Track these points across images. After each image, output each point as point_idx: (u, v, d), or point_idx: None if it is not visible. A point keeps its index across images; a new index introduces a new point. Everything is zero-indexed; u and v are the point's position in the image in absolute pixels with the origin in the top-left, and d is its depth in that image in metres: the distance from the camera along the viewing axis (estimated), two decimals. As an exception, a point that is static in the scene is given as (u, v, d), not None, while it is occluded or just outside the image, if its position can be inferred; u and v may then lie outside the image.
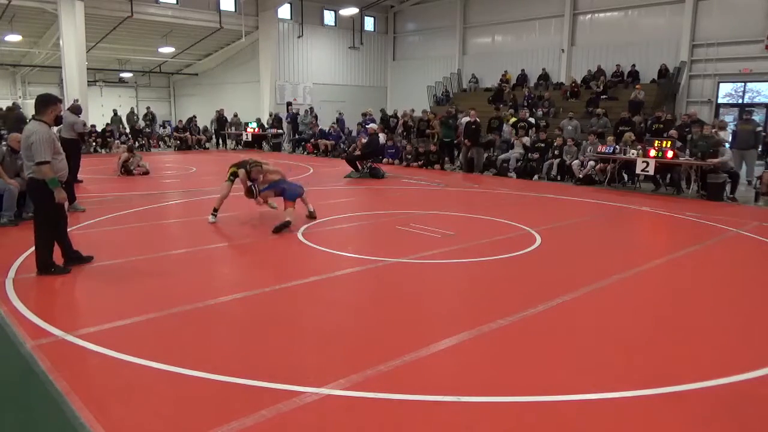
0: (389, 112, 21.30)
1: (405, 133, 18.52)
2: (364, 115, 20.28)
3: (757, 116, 16.43)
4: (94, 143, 19.93)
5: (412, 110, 20.25)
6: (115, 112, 23.83)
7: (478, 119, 15.24)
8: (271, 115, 23.35)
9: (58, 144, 5.45)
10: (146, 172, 13.75)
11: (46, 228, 5.44)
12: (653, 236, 8.53)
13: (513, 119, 16.71)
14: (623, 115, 15.73)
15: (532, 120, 17.04)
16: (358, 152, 14.76)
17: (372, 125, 16.77)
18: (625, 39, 21.31)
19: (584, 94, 20.43)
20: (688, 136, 12.86)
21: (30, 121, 5.60)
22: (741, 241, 7.62)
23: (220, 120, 23.15)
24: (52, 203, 5.28)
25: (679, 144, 12.15)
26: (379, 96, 29.67)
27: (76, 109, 11.45)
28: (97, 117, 23.53)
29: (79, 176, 11.53)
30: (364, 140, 15.41)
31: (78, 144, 11.18)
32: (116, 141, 20.52)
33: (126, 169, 13.55)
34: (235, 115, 23.71)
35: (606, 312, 4.72)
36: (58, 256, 5.56)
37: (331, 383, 3.31)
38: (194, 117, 23.50)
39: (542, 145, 14.42)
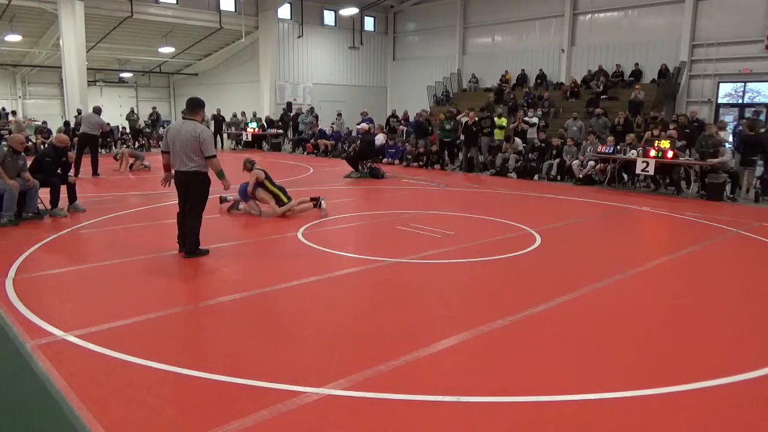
0: (389, 112, 21.29)
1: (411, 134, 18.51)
2: (363, 114, 20.32)
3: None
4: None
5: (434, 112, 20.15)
6: (132, 110, 23.99)
7: (477, 120, 15.28)
8: (255, 117, 23.26)
9: None
10: (146, 167, 14.69)
11: (201, 215, 6.16)
12: (653, 236, 8.53)
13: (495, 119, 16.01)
14: (620, 116, 15.57)
15: (534, 120, 17.04)
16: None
17: (363, 125, 16.77)
18: (625, 39, 21.32)
19: (584, 94, 20.43)
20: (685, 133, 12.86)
21: (185, 121, 6.05)
22: (741, 241, 7.62)
23: (217, 121, 23.10)
24: (208, 193, 6.15)
25: (679, 144, 12.15)
26: (379, 96, 29.67)
27: (98, 110, 13.54)
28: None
29: (95, 171, 13.29)
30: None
31: (97, 139, 13.62)
32: (120, 143, 20.75)
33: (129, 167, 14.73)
34: (234, 115, 23.69)
35: (606, 312, 4.71)
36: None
37: (331, 383, 3.31)
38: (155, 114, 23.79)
39: (542, 144, 14.43)
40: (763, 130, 12.00)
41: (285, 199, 8.59)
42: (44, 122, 21.43)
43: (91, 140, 13.15)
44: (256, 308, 4.72)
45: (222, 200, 9.08)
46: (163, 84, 32.88)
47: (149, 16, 22.63)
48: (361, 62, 29.26)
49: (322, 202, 8.86)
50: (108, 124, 14.50)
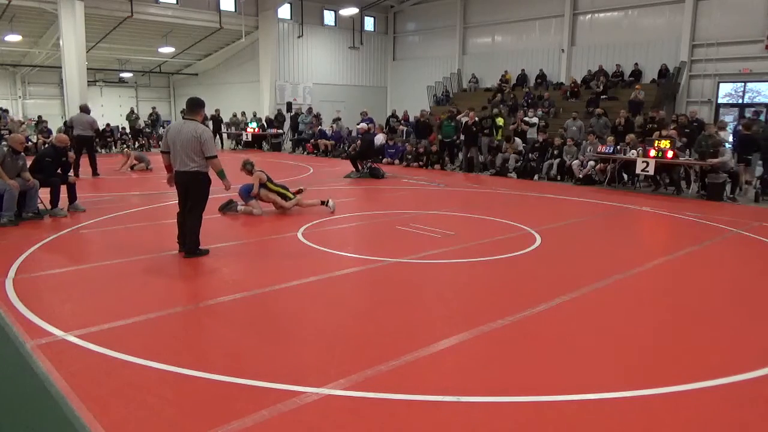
0: (389, 112, 21.27)
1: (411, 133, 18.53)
2: (363, 114, 20.32)
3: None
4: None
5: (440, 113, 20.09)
6: (132, 110, 24.03)
7: (477, 120, 15.30)
8: (255, 117, 23.27)
9: None
10: (149, 170, 14.63)
11: (201, 215, 6.16)
12: (653, 236, 8.53)
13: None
14: (621, 117, 15.55)
15: (535, 120, 17.05)
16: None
17: (363, 124, 16.80)
18: (625, 39, 21.32)
19: (584, 94, 20.43)
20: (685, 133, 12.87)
21: (186, 121, 6.06)
22: (741, 241, 7.62)
23: (215, 121, 23.08)
24: (208, 193, 6.16)
25: (679, 143, 12.14)
26: (379, 96, 29.66)
27: (86, 109, 13.31)
28: (97, 117, 23.49)
29: (91, 172, 13.30)
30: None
31: (92, 140, 13.51)
32: (120, 143, 20.78)
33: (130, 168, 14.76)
34: (234, 115, 23.67)
35: (606, 312, 4.71)
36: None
37: (331, 383, 3.31)
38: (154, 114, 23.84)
39: (542, 144, 14.45)
40: (761, 130, 12.05)
41: (291, 195, 8.85)
42: (44, 121, 21.46)
43: (86, 141, 13.10)
44: (256, 308, 4.72)
45: (228, 208, 8.79)
46: (163, 84, 32.87)
47: (149, 16, 22.63)
48: (361, 62, 29.26)
49: (330, 201, 9.11)
50: (107, 124, 14.61)
